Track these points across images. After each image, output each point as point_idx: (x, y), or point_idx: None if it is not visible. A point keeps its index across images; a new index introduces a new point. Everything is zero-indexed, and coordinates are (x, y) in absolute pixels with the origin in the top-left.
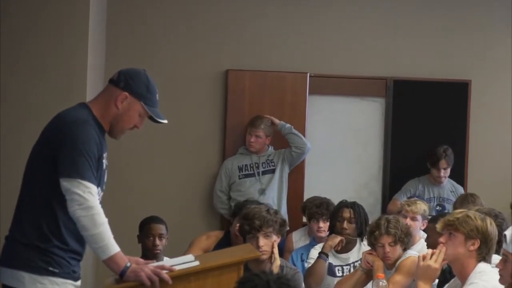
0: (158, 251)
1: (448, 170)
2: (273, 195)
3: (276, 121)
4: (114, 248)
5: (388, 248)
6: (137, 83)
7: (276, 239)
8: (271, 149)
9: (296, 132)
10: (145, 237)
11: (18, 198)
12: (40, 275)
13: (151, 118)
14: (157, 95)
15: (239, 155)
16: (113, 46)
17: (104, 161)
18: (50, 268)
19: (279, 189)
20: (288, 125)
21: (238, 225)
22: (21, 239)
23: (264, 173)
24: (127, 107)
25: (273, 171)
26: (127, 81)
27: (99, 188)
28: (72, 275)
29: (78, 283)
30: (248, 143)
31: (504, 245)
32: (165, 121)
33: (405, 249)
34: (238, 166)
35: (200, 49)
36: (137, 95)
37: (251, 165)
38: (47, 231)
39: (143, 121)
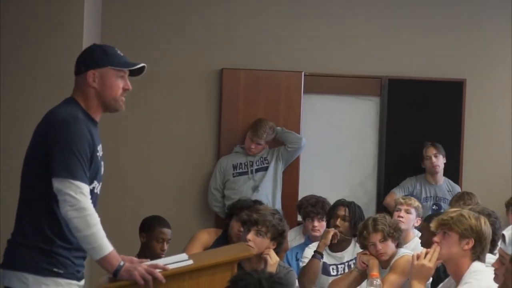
0: (163, 255)
1: (440, 158)
2: (267, 191)
3: None
4: (107, 248)
5: (379, 245)
6: (91, 55)
7: (269, 244)
8: (266, 148)
9: (288, 130)
10: (153, 239)
11: (18, 202)
12: (44, 276)
13: (131, 73)
14: (118, 51)
15: (234, 153)
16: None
17: (99, 153)
18: (55, 269)
19: (273, 186)
20: (278, 127)
21: (239, 228)
22: (24, 241)
23: (257, 170)
24: (101, 80)
25: (266, 169)
26: (83, 62)
27: (96, 181)
28: (76, 275)
29: (82, 282)
30: (248, 147)
31: (502, 245)
32: (142, 64)
33: (398, 245)
34: (233, 164)
35: (195, 48)
36: (100, 64)
37: (245, 164)
38: (49, 232)
39: (126, 79)
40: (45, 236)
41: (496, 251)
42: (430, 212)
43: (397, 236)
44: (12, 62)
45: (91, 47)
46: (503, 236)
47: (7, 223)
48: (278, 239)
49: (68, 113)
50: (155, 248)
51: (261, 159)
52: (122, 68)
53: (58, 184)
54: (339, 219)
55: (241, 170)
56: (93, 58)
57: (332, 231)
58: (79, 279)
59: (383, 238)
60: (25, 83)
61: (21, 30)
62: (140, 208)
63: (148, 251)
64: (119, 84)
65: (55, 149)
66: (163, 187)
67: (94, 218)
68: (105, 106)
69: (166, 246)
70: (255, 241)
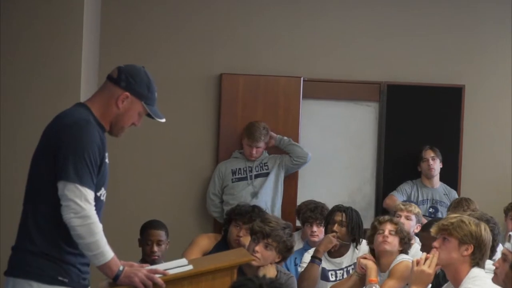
0: (156, 257)
1: (437, 162)
2: (266, 198)
3: (274, 135)
4: (109, 254)
5: (387, 233)
6: (138, 82)
7: (275, 256)
8: (265, 153)
9: (295, 143)
10: (144, 242)
11: (23, 206)
12: (48, 284)
13: (149, 115)
14: (156, 93)
15: (233, 159)
16: (107, 50)
17: (107, 160)
18: (60, 278)
19: (273, 193)
20: (286, 138)
21: (237, 233)
22: (30, 247)
23: (256, 176)
24: (128, 107)
25: (266, 175)
26: (128, 81)
27: (103, 188)
28: (82, 283)
29: None
30: (249, 154)
31: (507, 245)
32: (163, 120)
33: (402, 251)
34: (232, 169)
35: (194, 53)
36: (139, 95)
37: (245, 169)
38: (57, 236)
39: (142, 118)
40: (52, 241)
41: (495, 257)
42: (427, 215)
43: (405, 243)
44: (12, 63)
45: (141, 71)
46: (510, 236)
47: (7, 227)
48: (285, 253)
49: (80, 117)
50: (146, 250)
51: (261, 164)
52: (149, 111)
53: (63, 188)
54: (336, 225)
55: (240, 176)
56: (138, 86)
57: (334, 242)
58: (84, 287)
59: (394, 231)
60: (25, 83)
61: (20, 30)
62: (138, 214)
63: (145, 256)
64: (135, 118)
65: (65, 152)
66: (161, 192)
67: (97, 226)
68: (110, 127)
69: (156, 248)
70: (263, 254)
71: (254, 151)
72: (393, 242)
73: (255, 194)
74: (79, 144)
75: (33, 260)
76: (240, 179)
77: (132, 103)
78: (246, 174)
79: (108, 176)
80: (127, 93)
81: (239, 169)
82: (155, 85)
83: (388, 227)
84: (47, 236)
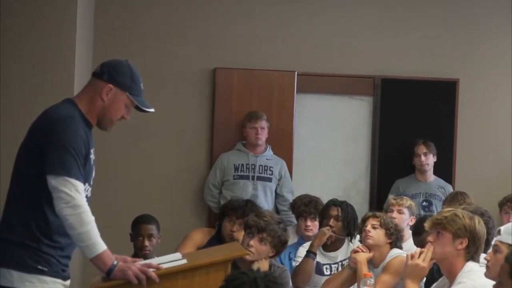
0: (148, 252)
1: (430, 157)
2: (264, 204)
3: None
4: (101, 246)
5: (369, 227)
6: (120, 74)
7: (269, 251)
8: (269, 150)
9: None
10: (135, 237)
11: (6, 196)
12: (28, 273)
13: (137, 108)
14: (141, 84)
15: (236, 151)
16: (101, 44)
17: (92, 156)
18: (39, 267)
19: (272, 199)
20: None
21: (231, 228)
22: (10, 237)
23: (259, 178)
24: (112, 99)
25: (268, 180)
26: (110, 73)
27: (87, 184)
28: (61, 274)
29: (67, 282)
30: (254, 137)
31: (498, 237)
32: (152, 110)
33: (393, 246)
34: (234, 164)
35: (189, 47)
36: (122, 86)
37: (247, 166)
38: (35, 229)
39: (130, 111)
40: (32, 234)
41: (490, 251)
42: (420, 208)
43: (394, 236)
44: (6, 62)
45: (123, 63)
46: (499, 230)
47: None
48: (279, 248)
49: (65, 112)
50: (137, 245)
51: (266, 166)
52: (135, 102)
53: (53, 181)
54: (332, 219)
55: (242, 173)
56: (119, 76)
57: (328, 234)
58: (64, 279)
59: (378, 225)
60: (18, 83)
61: (15, 29)
62: (132, 207)
63: (136, 251)
64: (123, 111)
65: (51, 147)
66: (156, 186)
67: (89, 216)
68: (99, 121)
69: (147, 242)
70: (257, 248)
71: (259, 132)
72: (376, 236)
73: (255, 197)
74: (65, 138)
75: (13, 250)
76: (241, 177)
77: (117, 95)
78: (249, 172)
79: (93, 172)
80: (110, 85)
81: (242, 165)
82: (139, 76)
83: (371, 222)
84: (27, 228)
